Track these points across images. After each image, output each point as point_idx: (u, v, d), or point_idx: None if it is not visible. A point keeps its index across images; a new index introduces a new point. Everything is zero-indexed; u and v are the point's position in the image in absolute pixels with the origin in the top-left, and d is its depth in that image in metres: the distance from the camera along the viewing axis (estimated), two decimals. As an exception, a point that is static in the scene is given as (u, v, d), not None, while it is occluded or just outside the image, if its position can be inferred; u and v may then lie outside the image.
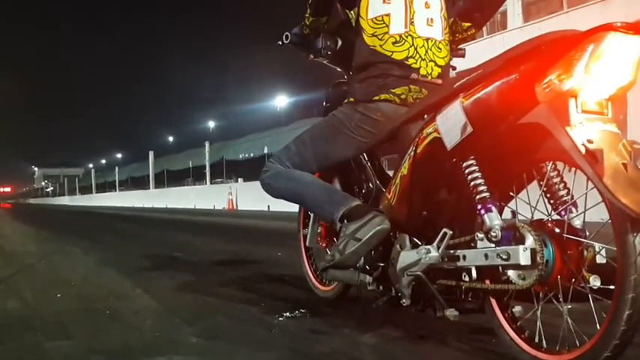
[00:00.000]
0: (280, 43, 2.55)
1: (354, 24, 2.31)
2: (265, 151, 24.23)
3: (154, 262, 4.78)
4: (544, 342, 1.71)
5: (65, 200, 50.46)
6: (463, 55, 2.55)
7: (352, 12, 2.32)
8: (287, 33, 2.52)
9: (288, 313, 2.57)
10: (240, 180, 22.34)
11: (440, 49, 2.23)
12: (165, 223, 12.37)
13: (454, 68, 2.44)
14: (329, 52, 2.45)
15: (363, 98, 2.21)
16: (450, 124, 1.76)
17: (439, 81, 2.19)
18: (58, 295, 3.20)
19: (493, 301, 1.86)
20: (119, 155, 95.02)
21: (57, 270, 4.43)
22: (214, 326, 2.46)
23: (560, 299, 1.63)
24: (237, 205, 18.88)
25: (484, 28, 17.24)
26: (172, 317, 2.64)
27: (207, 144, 23.03)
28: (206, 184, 23.27)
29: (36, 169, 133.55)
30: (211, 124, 67.27)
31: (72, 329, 2.44)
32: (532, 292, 1.69)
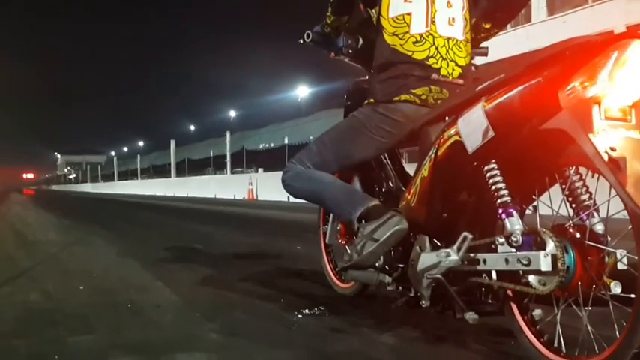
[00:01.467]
0: (302, 41, 2.56)
1: (375, 23, 2.30)
2: (285, 141, 24.26)
3: (174, 253, 4.82)
4: (563, 346, 1.70)
5: (88, 187, 50.99)
6: (486, 54, 2.53)
7: (373, 10, 2.31)
8: (308, 32, 2.52)
9: (307, 310, 2.59)
10: (260, 170, 22.41)
11: (461, 48, 2.22)
12: (186, 212, 12.47)
13: (476, 67, 2.43)
14: (350, 51, 2.45)
15: (384, 99, 2.20)
16: (472, 127, 1.75)
17: (460, 81, 2.18)
18: (81, 287, 3.25)
19: (513, 304, 1.85)
20: (141, 143, 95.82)
21: (79, 260, 4.50)
22: (234, 322, 2.48)
23: (580, 304, 1.62)
24: (257, 196, 18.95)
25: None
26: (192, 312, 2.66)
27: (227, 134, 23.12)
28: (226, 173, 23.37)
29: (59, 156, 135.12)
30: (232, 113, 67.49)
31: (94, 323, 2.48)
32: (552, 296, 1.68)
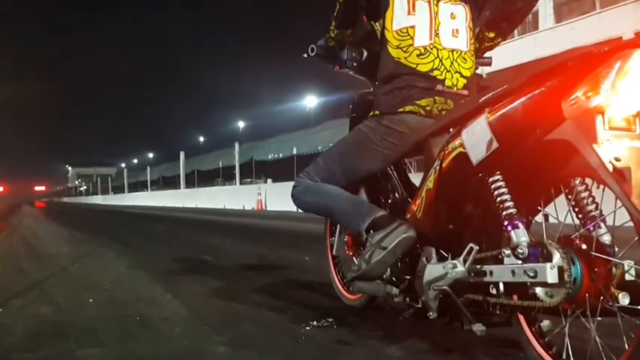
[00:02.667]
0: (306, 55, 2.57)
1: (379, 35, 2.31)
2: (294, 151, 24.31)
3: (183, 265, 4.84)
4: (572, 358, 1.68)
5: (98, 199, 51.28)
6: (489, 64, 2.54)
7: (377, 24, 2.32)
8: (312, 45, 2.54)
9: (315, 322, 2.59)
10: (269, 180, 22.45)
11: (465, 60, 2.23)
12: (196, 223, 12.50)
13: (481, 77, 2.44)
14: (354, 64, 2.45)
15: (388, 110, 2.22)
16: (476, 139, 1.76)
17: (465, 92, 2.20)
18: (91, 300, 3.27)
19: (520, 316, 1.84)
20: (151, 155, 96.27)
21: (89, 273, 4.51)
22: (242, 335, 2.48)
23: (589, 316, 1.60)
24: (266, 206, 18.97)
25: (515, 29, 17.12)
26: (201, 325, 2.67)
27: (236, 144, 23.18)
28: (236, 184, 23.43)
29: (70, 168, 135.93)
30: (241, 124, 67.71)
31: (103, 336, 2.49)
32: (560, 308, 1.66)
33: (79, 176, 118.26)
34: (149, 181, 38.38)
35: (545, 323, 1.78)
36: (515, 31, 17.89)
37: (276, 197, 17.88)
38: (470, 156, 1.78)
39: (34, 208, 30.62)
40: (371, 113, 2.31)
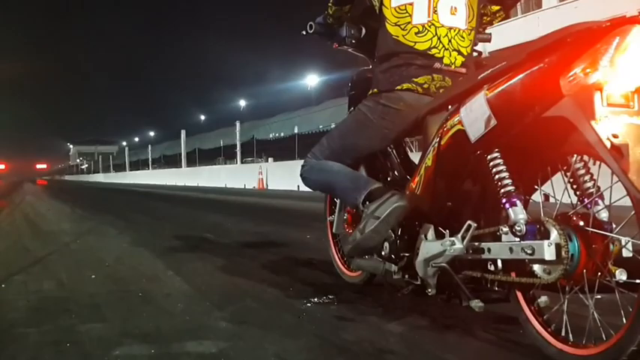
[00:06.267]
0: (304, 32, 2.60)
1: (377, 12, 2.31)
2: (295, 130, 24.22)
3: (185, 243, 4.86)
4: (570, 335, 1.71)
5: (100, 177, 51.31)
6: (489, 40, 2.54)
7: (376, 0, 2.31)
8: (311, 23, 2.57)
9: (315, 299, 2.61)
10: (270, 159, 22.41)
11: (463, 37, 2.23)
12: (197, 202, 12.52)
13: (480, 53, 2.44)
14: (353, 41, 2.48)
15: (385, 88, 2.23)
16: (474, 116, 1.77)
17: (463, 70, 2.21)
18: (93, 277, 3.29)
19: (519, 294, 1.86)
20: (152, 134, 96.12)
21: (91, 250, 4.54)
22: (243, 311, 2.50)
23: (587, 292, 1.61)
24: (267, 185, 18.98)
25: (518, 7, 16.84)
26: (202, 301, 2.69)
27: (237, 123, 23.09)
28: (237, 163, 23.39)
29: (71, 146, 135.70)
30: (242, 103, 67.46)
31: (105, 312, 2.51)
32: (558, 285, 1.68)
33: (80, 154, 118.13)
34: (150, 159, 38.36)
35: (543, 299, 1.81)
36: (519, 10, 17.75)
37: (277, 176, 17.87)
38: (468, 133, 1.79)
39: (36, 185, 30.66)
40: (370, 92, 2.32)
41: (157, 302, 2.68)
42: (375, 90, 2.28)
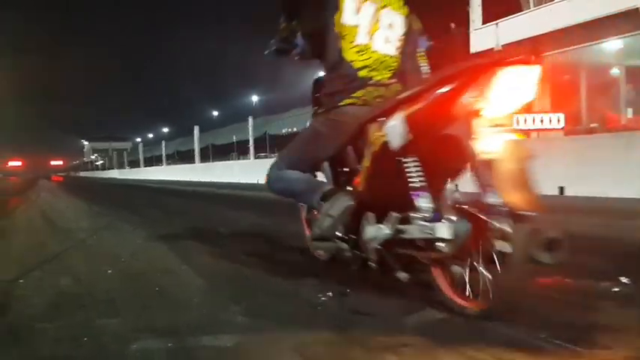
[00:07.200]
0: (267, 52, 2.92)
1: (330, 27, 2.66)
2: (307, 125, 24.12)
3: (200, 237, 4.86)
4: (470, 294, 2.19)
5: (114, 173, 51.56)
6: (430, 48, 3.04)
7: (330, 16, 2.65)
8: (268, 50, 2.90)
9: (330, 293, 2.61)
10: (283, 154, 22.33)
11: (394, 59, 2.74)
12: (211, 197, 12.55)
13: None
14: (307, 51, 2.85)
15: (331, 106, 2.68)
16: (395, 131, 2.28)
17: (394, 80, 2.71)
18: (109, 272, 3.31)
19: (434, 265, 2.35)
20: (165, 130, 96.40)
21: (107, 246, 4.57)
22: (259, 305, 2.51)
23: (479, 261, 2.09)
24: (280, 180, 18.96)
25: (530, 0, 16.67)
26: (217, 295, 2.70)
27: (250, 119, 23.06)
28: (250, 158, 23.42)
29: (85, 142, 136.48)
30: (255, 98, 67.44)
31: (121, 307, 2.53)
32: (459, 257, 2.16)
33: (94, 151, 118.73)
34: (164, 155, 38.48)
35: (454, 269, 2.23)
36: (531, 3, 17.54)
37: (291, 171, 17.84)
38: (391, 143, 2.31)
39: (51, 182, 30.91)
40: (319, 110, 2.81)
41: (172, 297, 2.69)
42: (324, 109, 2.72)
